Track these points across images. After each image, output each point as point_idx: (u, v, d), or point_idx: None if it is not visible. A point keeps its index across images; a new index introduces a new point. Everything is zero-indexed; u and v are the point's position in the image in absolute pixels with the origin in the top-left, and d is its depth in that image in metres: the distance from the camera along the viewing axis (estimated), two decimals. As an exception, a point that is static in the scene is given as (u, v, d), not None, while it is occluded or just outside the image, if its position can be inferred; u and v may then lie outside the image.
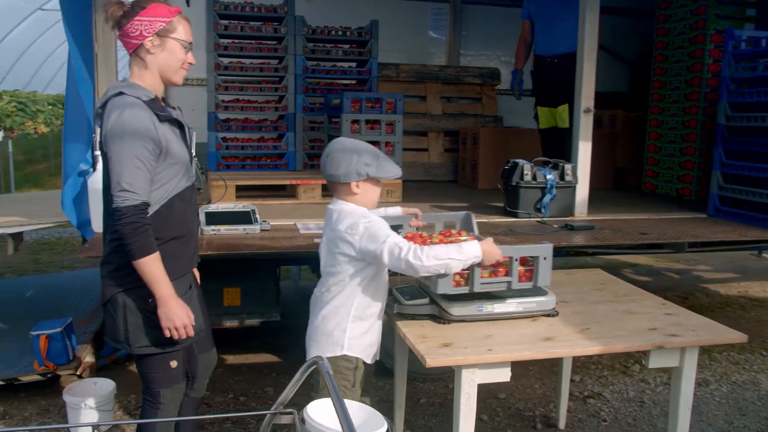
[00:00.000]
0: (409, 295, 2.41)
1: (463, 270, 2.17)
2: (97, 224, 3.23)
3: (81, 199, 3.44)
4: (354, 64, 5.40)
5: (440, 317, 2.31)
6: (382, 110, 4.53)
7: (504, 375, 2.13)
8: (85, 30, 3.03)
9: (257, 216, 3.34)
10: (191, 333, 2.18)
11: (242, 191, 4.40)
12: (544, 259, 2.28)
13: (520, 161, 3.87)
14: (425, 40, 6.61)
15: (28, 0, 10.87)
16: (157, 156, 2.08)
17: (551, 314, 2.42)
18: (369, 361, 2.29)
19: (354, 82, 5.50)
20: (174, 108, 2.31)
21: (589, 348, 2.15)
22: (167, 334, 2.12)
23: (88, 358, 3.85)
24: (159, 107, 2.11)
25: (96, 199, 3.19)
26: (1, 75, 12.03)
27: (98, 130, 2.17)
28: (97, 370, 3.83)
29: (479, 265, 2.15)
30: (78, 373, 3.77)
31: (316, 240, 3.30)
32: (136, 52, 2.11)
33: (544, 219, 3.81)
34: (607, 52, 6.40)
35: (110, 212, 2.08)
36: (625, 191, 5.65)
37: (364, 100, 4.47)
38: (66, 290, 5.01)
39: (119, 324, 2.17)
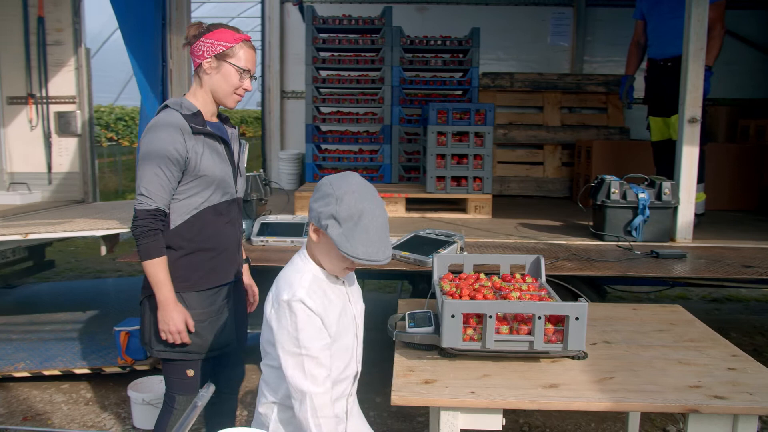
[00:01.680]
0: (415, 322, 2.20)
1: (476, 323, 1.95)
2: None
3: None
4: (459, 74, 5.20)
5: (444, 349, 2.08)
6: (471, 121, 4.29)
7: (493, 422, 1.86)
8: (146, 48, 3.22)
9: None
10: (186, 339, 2.20)
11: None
12: (576, 319, 1.92)
13: (608, 177, 3.43)
14: (545, 48, 6.21)
15: None
16: (181, 169, 2.14)
17: (577, 357, 2.08)
18: None
19: (459, 93, 5.30)
20: (233, 127, 2.40)
21: (595, 403, 1.79)
22: (163, 336, 2.17)
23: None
24: (199, 121, 2.17)
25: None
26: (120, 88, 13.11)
27: None
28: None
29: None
30: (160, 367, 4.03)
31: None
32: (196, 69, 2.21)
33: (631, 244, 3.34)
34: (760, 51, 5.52)
35: None
36: (769, 214, 4.81)
37: (451, 111, 4.27)
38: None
39: (145, 326, 2.27)
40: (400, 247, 2.97)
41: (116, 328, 3.77)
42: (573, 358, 2.08)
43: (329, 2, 6.11)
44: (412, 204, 4.54)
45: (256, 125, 19.54)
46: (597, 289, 3.47)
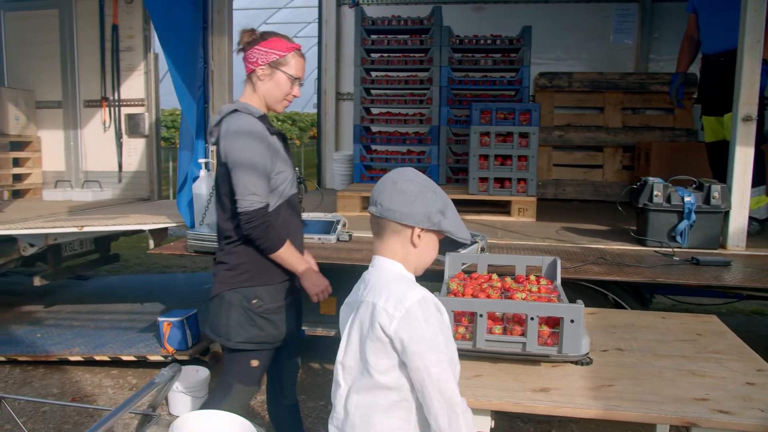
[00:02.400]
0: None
1: (468, 322, 1.91)
2: (195, 224, 3.54)
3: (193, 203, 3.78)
4: (511, 74, 5.09)
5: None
6: (516, 122, 4.18)
7: (482, 424, 1.79)
8: (183, 50, 3.34)
9: (339, 227, 3.33)
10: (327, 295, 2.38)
11: (365, 202, 4.45)
12: (572, 322, 1.84)
13: (652, 179, 3.25)
14: (607, 46, 5.95)
15: None
16: (271, 160, 2.24)
17: (581, 362, 1.98)
18: None
19: (511, 93, 5.18)
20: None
21: (583, 410, 1.70)
22: (314, 299, 2.35)
23: (216, 348, 4.23)
24: (268, 123, 2.31)
25: (197, 203, 3.50)
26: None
27: (211, 146, 2.42)
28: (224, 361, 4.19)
29: None
30: (206, 359, 4.17)
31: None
32: (249, 75, 2.31)
33: (674, 250, 3.14)
34: None
35: (229, 217, 2.26)
36: None
37: (495, 111, 4.18)
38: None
39: (221, 319, 2.32)
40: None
41: (160, 319, 3.93)
42: (576, 363, 1.98)
43: (385, 3, 6.13)
44: (456, 206, 4.47)
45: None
46: (640, 297, 3.29)
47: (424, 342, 1.40)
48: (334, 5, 6.20)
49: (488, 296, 2.08)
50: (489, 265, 2.44)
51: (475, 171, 4.25)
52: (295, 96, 2.34)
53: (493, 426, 1.83)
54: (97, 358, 3.99)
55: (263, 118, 2.29)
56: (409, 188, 1.50)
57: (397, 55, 5.05)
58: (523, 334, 1.87)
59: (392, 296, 1.43)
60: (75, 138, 6.29)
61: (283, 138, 2.38)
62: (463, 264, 2.49)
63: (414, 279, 1.55)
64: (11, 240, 4.36)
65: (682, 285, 2.73)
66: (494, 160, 4.21)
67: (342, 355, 1.52)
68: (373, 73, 5.14)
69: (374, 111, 5.19)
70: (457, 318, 1.93)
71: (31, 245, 4.37)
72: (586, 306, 2.73)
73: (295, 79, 2.29)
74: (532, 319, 1.83)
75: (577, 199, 5.50)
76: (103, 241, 5.40)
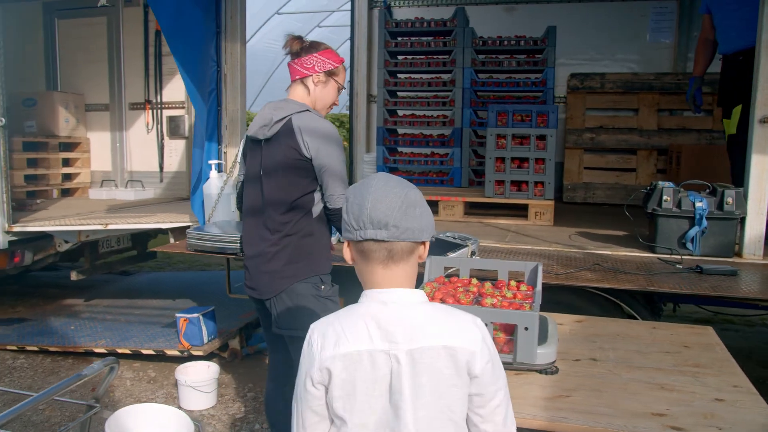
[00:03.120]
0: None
1: None
2: (204, 222, 3.65)
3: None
4: (536, 75, 5.00)
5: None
6: (533, 124, 4.10)
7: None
8: (193, 55, 3.44)
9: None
10: None
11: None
12: (526, 329, 1.81)
13: (662, 183, 3.13)
14: (644, 46, 5.74)
15: (267, 4, 11.92)
16: None
17: (546, 371, 1.94)
18: None
19: (537, 94, 5.08)
20: None
21: (528, 420, 1.66)
22: None
23: (235, 345, 4.34)
24: None
25: (207, 203, 3.60)
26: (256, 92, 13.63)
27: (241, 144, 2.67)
28: (242, 358, 4.30)
29: None
30: (225, 355, 4.30)
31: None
32: (303, 79, 2.45)
33: (682, 257, 3.02)
34: None
35: (284, 211, 2.35)
36: None
37: (512, 113, 4.12)
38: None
39: (294, 311, 2.39)
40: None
41: (177, 315, 4.07)
42: (541, 372, 1.94)
43: (416, 5, 6.11)
44: (474, 209, 4.44)
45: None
46: (652, 306, 3.17)
47: None
48: (366, 7, 6.23)
49: (458, 301, 2.06)
50: (479, 270, 2.42)
51: (492, 173, 4.19)
52: (334, 104, 2.55)
53: None
54: (119, 351, 4.16)
55: None
56: (415, 198, 1.30)
57: (421, 57, 5.04)
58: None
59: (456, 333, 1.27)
60: (120, 139, 6.57)
61: None
62: (448, 268, 2.48)
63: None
64: (49, 236, 4.61)
65: (678, 294, 2.62)
66: (511, 162, 4.14)
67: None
68: (401, 75, 5.14)
69: (399, 113, 5.20)
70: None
71: (66, 241, 4.61)
72: (594, 315, 2.68)
73: (342, 88, 2.53)
74: (486, 325, 1.80)
75: (608, 203, 5.34)
76: (140, 238, 5.63)
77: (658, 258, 3.04)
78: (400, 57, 5.12)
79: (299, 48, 2.42)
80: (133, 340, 4.30)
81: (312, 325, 1.33)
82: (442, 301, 2.06)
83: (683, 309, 4.59)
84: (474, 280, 2.32)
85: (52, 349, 4.32)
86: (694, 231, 3.04)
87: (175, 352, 4.07)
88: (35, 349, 4.35)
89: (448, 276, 2.40)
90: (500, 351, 1.85)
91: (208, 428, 3.40)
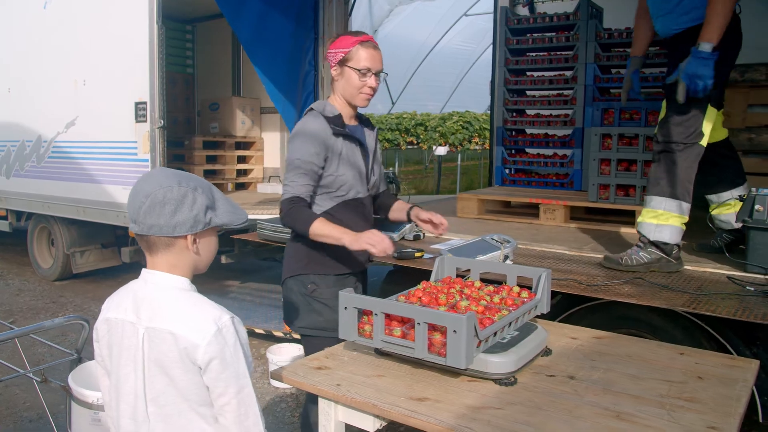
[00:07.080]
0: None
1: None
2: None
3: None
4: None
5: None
6: (642, 122, 3.72)
7: (364, 422, 1.82)
8: (278, 62, 3.72)
9: (407, 227, 3.41)
10: (390, 245, 2.21)
11: (488, 205, 4.39)
12: (454, 332, 1.71)
13: (756, 190, 2.68)
14: (829, 29, 4.78)
15: (454, 6, 11.84)
16: (324, 160, 2.33)
17: (501, 382, 1.85)
18: None
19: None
20: (372, 128, 2.59)
21: (432, 425, 1.62)
22: (378, 253, 2.20)
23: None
24: (339, 123, 2.36)
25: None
26: (447, 95, 13.68)
27: None
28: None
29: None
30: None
31: (427, 256, 3.17)
32: (332, 77, 2.40)
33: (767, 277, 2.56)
34: None
35: None
36: None
37: (618, 111, 3.78)
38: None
39: (286, 304, 2.50)
40: (455, 250, 2.88)
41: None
42: (496, 382, 1.85)
43: (550, 0, 5.82)
44: (579, 213, 4.16)
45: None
46: (748, 337, 2.71)
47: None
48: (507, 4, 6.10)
49: (436, 302, 2.04)
50: (499, 274, 2.33)
51: (595, 177, 3.89)
52: (371, 87, 2.32)
53: (380, 426, 1.82)
54: (237, 327, 4.65)
55: (336, 118, 2.35)
56: (168, 196, 1.38)
57: (542, 54, 4.82)
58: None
59: (193, 321, 1.39)
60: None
61: (359, 142, 2.41)
62: (460, 269, 2.43)
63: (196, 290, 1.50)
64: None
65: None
66: (617, 165, 3.80)
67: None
68: (528, 73, 4.96)
69: (517, 113, 5.03)
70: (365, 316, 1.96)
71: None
72: (676, 339, 2.41)
73: (365, 71, 2.28)
74: (419, 324, 1.78)
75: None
76: (285, 229, 6.18)
77: (728, 277, 2.61)
78: (520, 55, 4.95)
79: (328, 48, 2.39)
80: (253, 319, 4.78)
81: None
82: (420, 300, 2.05)
83: None
84: (477, 283, 2.26)
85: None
86: (791, 248, 2.55)
87: (280, 334, 4.45)
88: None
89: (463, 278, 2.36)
90: (437, 353, 1.80)
91: (282, 404, 3.69)
